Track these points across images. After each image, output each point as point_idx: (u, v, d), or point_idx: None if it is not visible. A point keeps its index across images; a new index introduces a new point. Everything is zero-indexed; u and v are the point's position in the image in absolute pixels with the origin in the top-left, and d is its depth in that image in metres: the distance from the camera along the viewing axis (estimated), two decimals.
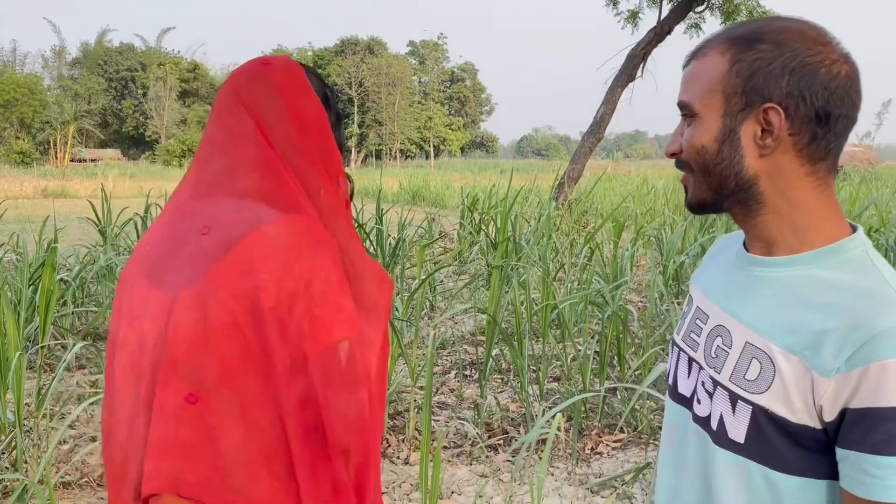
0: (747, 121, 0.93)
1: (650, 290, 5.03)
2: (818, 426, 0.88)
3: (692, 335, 1.06)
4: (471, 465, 3.55)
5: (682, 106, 0.99)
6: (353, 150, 67.64)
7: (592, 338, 4.82)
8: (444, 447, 3.71)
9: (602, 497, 3.26)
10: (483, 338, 5.12)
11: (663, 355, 4.47)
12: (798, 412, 0.88)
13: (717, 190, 0.97)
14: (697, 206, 1.01)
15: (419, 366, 4.43)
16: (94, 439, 3.73)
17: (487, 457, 3.59)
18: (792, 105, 0.90)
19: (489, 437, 3.79)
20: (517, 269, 6.30)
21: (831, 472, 0.89)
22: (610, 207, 12.00)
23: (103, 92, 63.31)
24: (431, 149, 72.17)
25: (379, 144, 68.28)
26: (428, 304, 6.61)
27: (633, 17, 12.28)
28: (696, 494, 1.01)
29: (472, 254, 8.86)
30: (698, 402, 1.01)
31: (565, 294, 5.49)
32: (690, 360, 1.05)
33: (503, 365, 4.92)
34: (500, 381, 4.68)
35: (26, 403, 4.06)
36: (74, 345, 4.03)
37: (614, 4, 12.28)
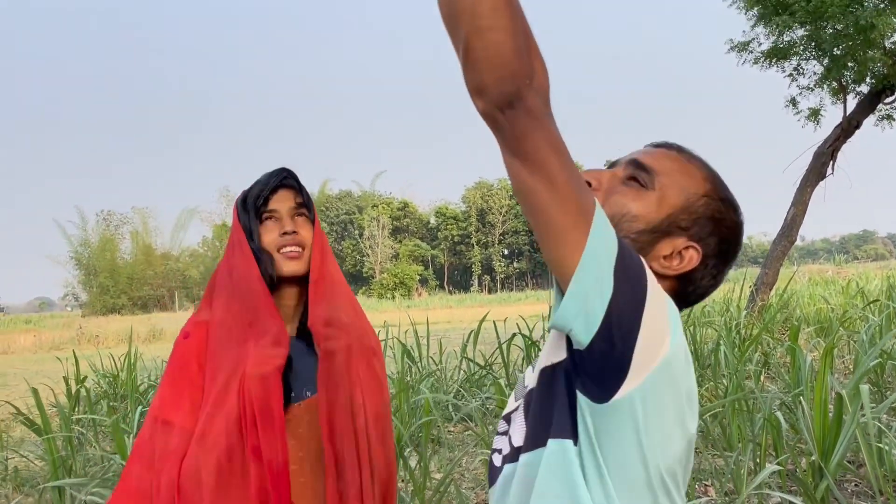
0: (673, 237, 1.06)
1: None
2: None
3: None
4: None
5: (643, 168, 1.07)
6: None
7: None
8: None
9: None
10: None
11: None
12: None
13: None
14: None
15: None
16: None
17: None
18: (702, 263, 1.07)
19: None
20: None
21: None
22: (814, 312, 11.27)
23: (326, 235, 69.44)
24: None
25: None
26: None
27: (815, 114, 11.88)
28: None
29: None
30: (498, 453, 1.09)
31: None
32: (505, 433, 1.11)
33: None
34: None
35: None
36: None
37: (794, 105, 12.00)
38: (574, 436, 0.95)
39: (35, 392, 4.73)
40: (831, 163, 11.38)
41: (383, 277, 58.69)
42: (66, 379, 7.18)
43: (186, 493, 1.46)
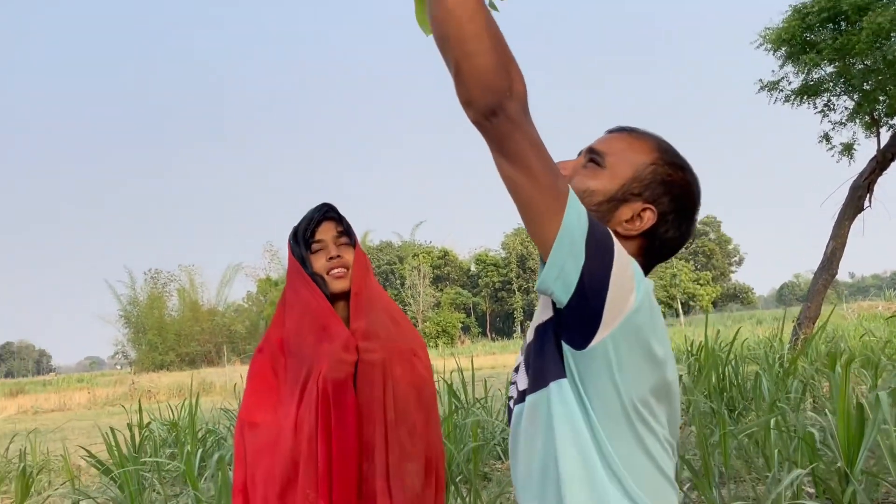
0: (630, 203, 1.24)
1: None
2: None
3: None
4: None
5: (595, 152, 1.28)
6: None
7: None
8: None
9: None
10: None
11: None
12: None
13: None
14: None
15: None
16: None
17: None
18: (661, 220, 1.25)
19: None
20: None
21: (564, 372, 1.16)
22: (860, 346, 11.23)
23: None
24: (679, 306, 70.29)
25: None
26: None
27: (848, 149, 11.99)
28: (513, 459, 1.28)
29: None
30: (511, 399, 1.30)
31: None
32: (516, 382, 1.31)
33: None
34: None
35: None
36: None
37: (827, 140, 12.13)
38: (566, 375, 1.16)
39: (112, 432, 5.07)
40: (868, 196, 11.45)
41: (426, 326, 58.91)
42: (129, 426, 7.53)
43: (285, 476, 1.75)
